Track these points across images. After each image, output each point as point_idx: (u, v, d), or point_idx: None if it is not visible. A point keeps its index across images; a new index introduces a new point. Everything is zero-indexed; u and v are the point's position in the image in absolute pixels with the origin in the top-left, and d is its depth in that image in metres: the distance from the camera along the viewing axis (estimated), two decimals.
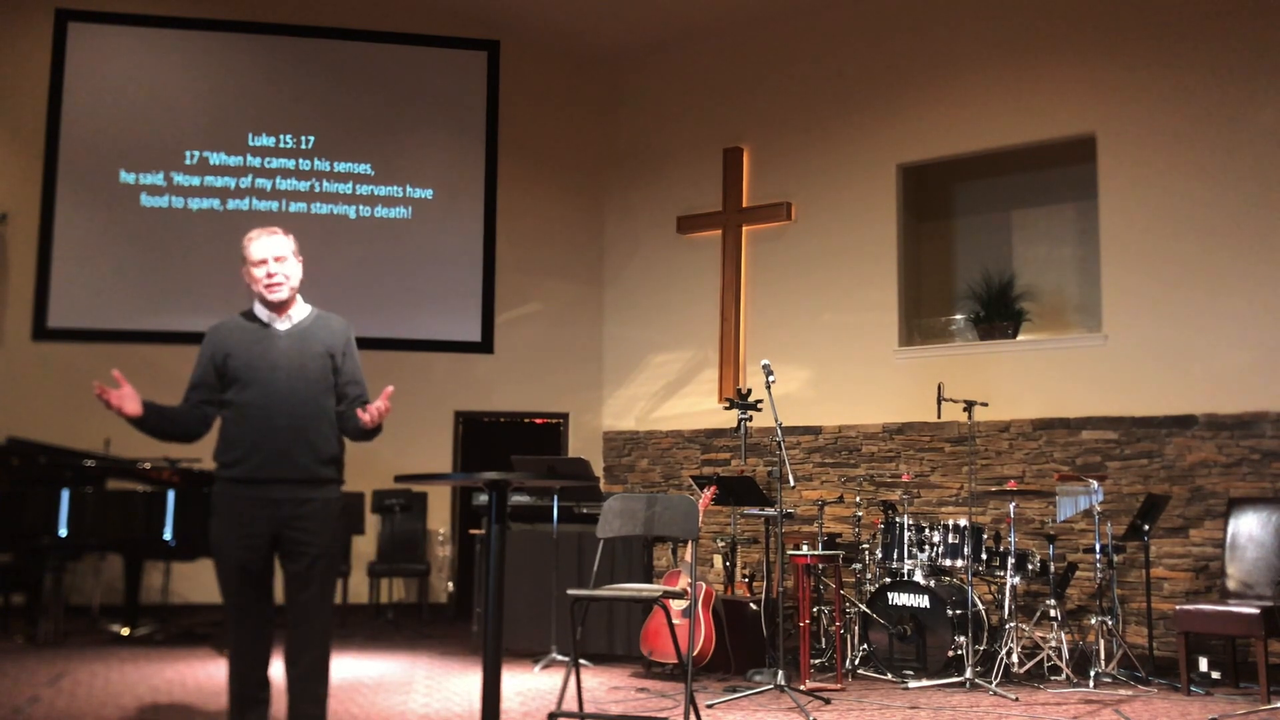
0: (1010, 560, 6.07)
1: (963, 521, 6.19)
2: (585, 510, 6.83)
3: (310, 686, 3.51)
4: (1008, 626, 5.93)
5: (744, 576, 7.59)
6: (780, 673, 5.33)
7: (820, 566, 6.39)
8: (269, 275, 3.57)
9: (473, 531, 7.38)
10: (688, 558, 5.81)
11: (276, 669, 3.58)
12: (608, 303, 9.73)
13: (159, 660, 6.34)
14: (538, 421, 9.58)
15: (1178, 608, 5.74)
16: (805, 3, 8.69)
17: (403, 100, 9.55)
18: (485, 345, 9.49)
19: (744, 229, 8.99)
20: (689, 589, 5.27)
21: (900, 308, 8.21)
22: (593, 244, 9.80)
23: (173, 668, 6.07)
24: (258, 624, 3.53)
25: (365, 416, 3.52)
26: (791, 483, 5.50)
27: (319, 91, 9.46)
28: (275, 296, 3.58)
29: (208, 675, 5.83)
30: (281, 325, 3.62)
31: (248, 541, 3.47)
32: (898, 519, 6.41)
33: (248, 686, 3.52)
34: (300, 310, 3.68)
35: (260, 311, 3.64)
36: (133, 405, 3.44)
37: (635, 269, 9.59)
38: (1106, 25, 7.49)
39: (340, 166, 9.43)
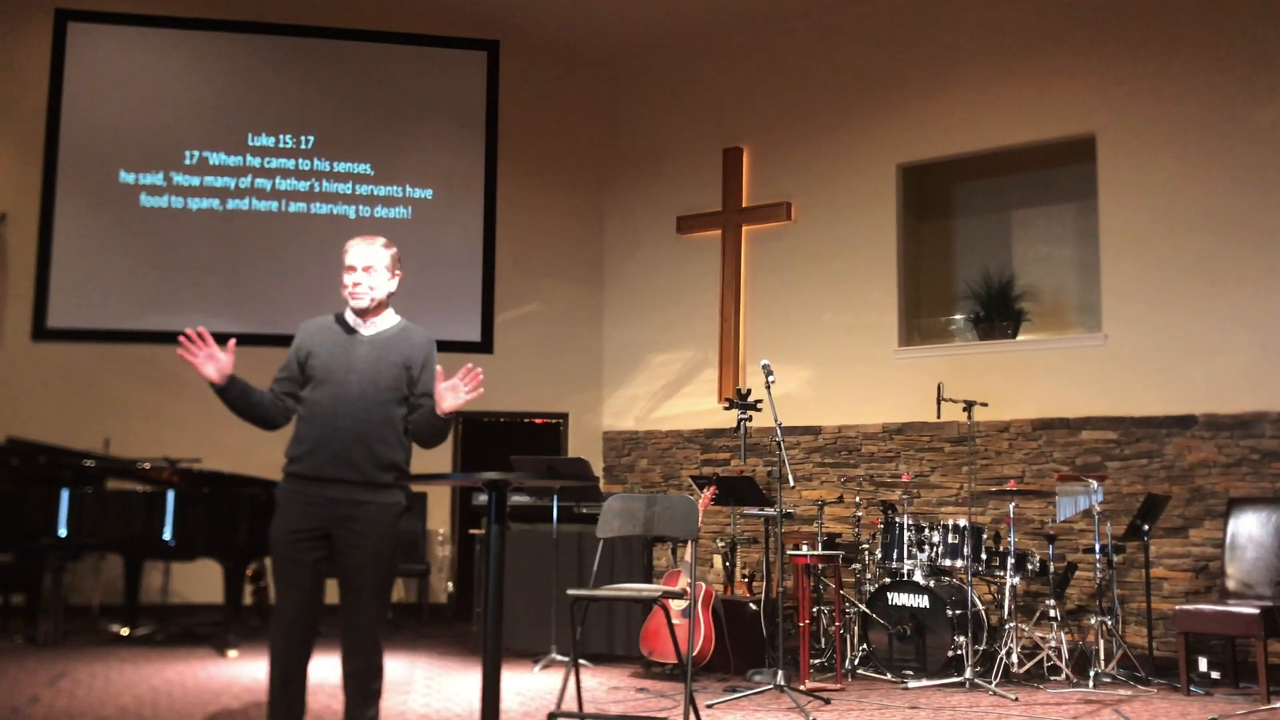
0: (1010, 560, 6.07)
1: (962, 521, 6.20)
2: (585, 510, 6.83)
3: (363, 685, 3.55)
4: (1007, 626, 5.93)
5: (744, 576, 7.59)
6: (780, 673, 5.33)
7: (820, 566, 6.38)
8: (354, 284, 3.66)
9: (472, 531, 7.38)
10: (687, 558, 5.81)
11: (316, 668, 3.62)
12: (607, 303, 9.73)
13: (159, 660, 6.34)
14: (537, 421, 9.58)
15: (1177, 608, 5.75)
16: (805, 3, 8.69)
17: (403, 100, 9.55)
18: (485, 345, 9.48)
19: (744, 229, 8.98)
20: (689, 589, 5.27)
21: (900, 308, 8.21)
22: (592, 244, 9.80)
23: (172, 668, 6.07)
24: (301, 618, 3.56)
25: (448, 399, 3.52)
26: (791, 483, 5.50)
27: (319, 91, 9.46)
28: (356, 304, 3.67)
29: (208, 675, 5.83)
30: (366, 331, 3.69)
31: (299, 534, 3.52)
32: (897, 519, 6.41)
33: (289, 679, 3.56)
34: (387, 319, 3.74)
35: (348, 315, 3.72)
36: (212, 370, 3.49)
37: (635, 269, 9.59)
38: (1106, 25, 7.50)
39: (340, 166, 9.43)
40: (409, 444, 3.70)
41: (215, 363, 3.50)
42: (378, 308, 3.71)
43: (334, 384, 3.59)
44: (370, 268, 3.66)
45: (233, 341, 3.55)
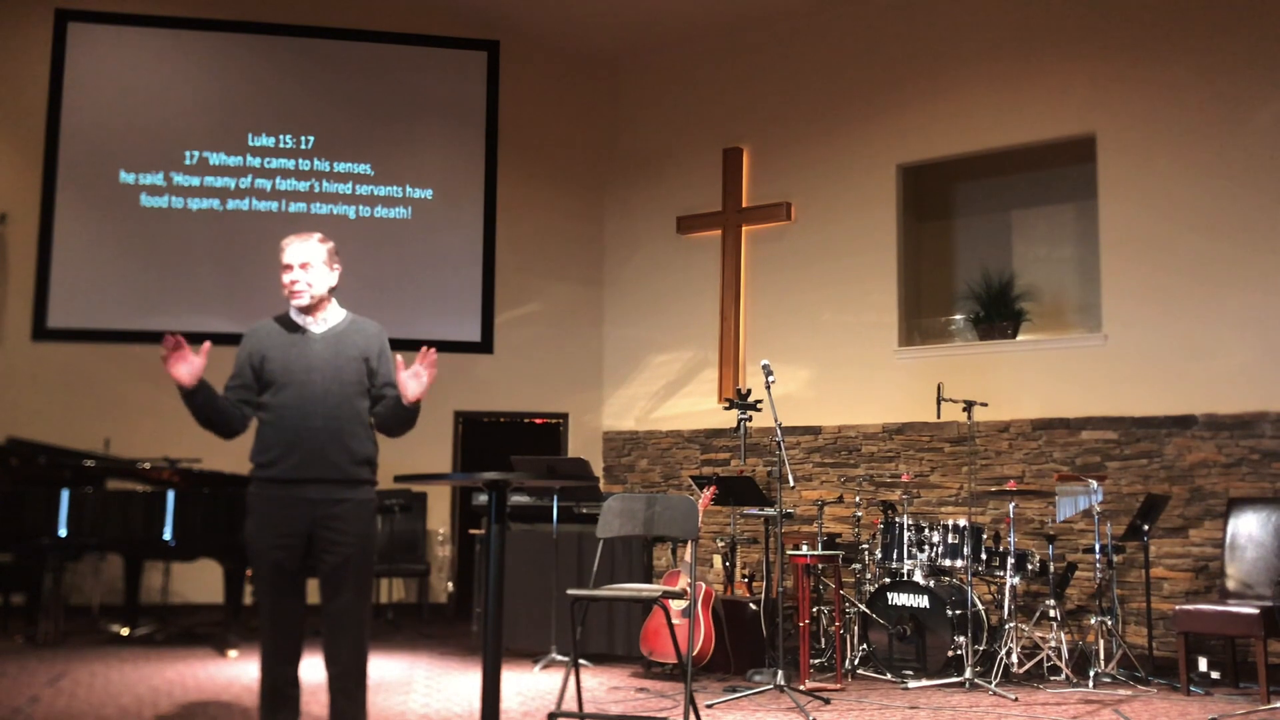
0: (1010, 560, 6.07)
1: (962, 521, 6.20)
2: (585, 510, 6.83)
3: (348, 685, 3.55)
4: (1007, 626, 5.93)
5: (744, 577, 7.59)
6: (780, 673, 5.34)
7: (820, 566, 6.39)
8: (292, 282, 3.63)
9: (472, 532, 7.38)
10: (687, 558, 5.81)
11: (307, 668, 3.62)
12: (608, 303, 9.73)
13: (159, 660, 6.35)
14: (538, 421, 9.58)
15: (1177, 608, 5.75)
16: (805, 3, 8.69)
17: (403, 100, 9.55)
18: (485, 345, 9.49)
19: (744, 229, 8.99)
20: (689, 589, 5.28)
21: (900, 308, 8.21)
22: (593, 244, 9.80)
23: (173, 668, 6.08)
24: (290, 622, 3.56)
25: (411, 386, 3.55)
26: (791, 483, 5.50)
27: (319, 91, 9.46)
28: (297, 302, 3.66)
29: (208, 675, 5.83)
30: (316, 329, 3.68)
31: (283, 540, 3.51)
32: (897, 519, 6.41)
33: (279, 684, 3.56)
34: (334, 314, 3.73)
35: (294, 315, 3.70)
36: (185, 375, 3.45)
37: (635, 269, 9.60)
38: (1106, 25, 7.50)
39: (340, 166, 9.43)
40: (375, 437, 3.71)
41: (189, 365, 3.46)
42: (321, 303, 3.69)
43: (297, 385, 3.56)
44: (307, 264, 3.64)
45: (207, 344, 3.49)
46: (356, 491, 3.59)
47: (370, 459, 3.66)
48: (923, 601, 6.06)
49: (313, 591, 3.56)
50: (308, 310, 3.67)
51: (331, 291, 3.71)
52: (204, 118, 9.28)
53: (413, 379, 3.57)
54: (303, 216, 9.25)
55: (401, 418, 3.66)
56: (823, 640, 6.47)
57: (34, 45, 9.07)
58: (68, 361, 8.82)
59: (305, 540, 3.53)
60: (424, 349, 3.56)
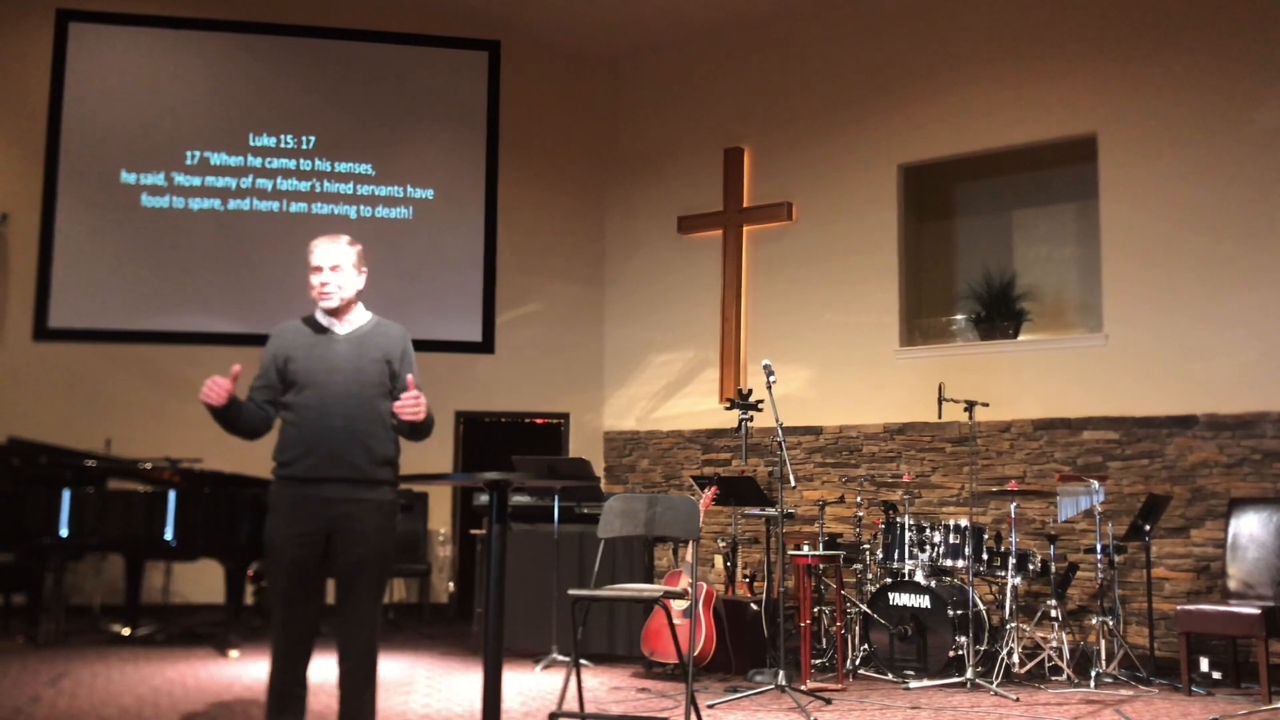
0: (1011, 560, 6.07)
1: (963, 522, 6.20)
2: (586, 510, 6.83)
3: (358, 681, 3.57)
4: (1008, 627, 5.93)
5: (745, 577, 7.58)
6: (781, 673, 5.34)
7: (821, 567, 6.39)
8: (322, 284, 3.65)
9: (473, 532, 7.38)
10: (688, 558, 5.81)
11: (316, 668, 3.63)
12: (608, 303, 9.73)
13: (159, 660, 6.35)
14: (538, 421, 9.58)
15: (1179, 608, 5.75)
16: (805, 3, 8.69)
17: (403, 100, 9.55)
18: (486, 345, 9.49)
19: (745, 229, 8.99)
20: (690, 589, 5.27)
21: (901, 308, 8.21)
22: (593, 244, 9.80)
23: (173, 668, 6.08)
24: (303, 622, 3.57)
25: (405, 413, 3.56)
26: (792, 483, 5.50)
27: (320, 91, 9.46)
28: (324, 304, 3.67)
29: (208, 675, 5.83)
30: (341, 330, 3.69)
31: (302, 539, 3.52)
32: (898, 519, 6.41)
33: (288, 683, 3.57)
34: (360, 316, 3.75)
35: (320, 316, 3.72)
36: (216, 397, 3.46)
37: (636, 269, 9.59)
38: (1107, 25, 7.50)
39: (341, 167, 9.43)
40: (397, 439, 3.72)
41: (221, 390, 3.48)
42: (348, 306, 3.71)
43: (319, 386, 3.58)
44: (337, 266, 3.65)
45: (236, 368, 3.52)
46: (375, 492, 3.60)
47: (390, 460, 3.66)
48: (924, 602, 6.06)
49: (324, 592, 3.57)
50: (334, 312, 3.69)
51: (359, 294, 3.73)
52: (204, 118, 9.28)
53: (401, 409, 3.58)
54: (304, 217, 9.25)
55: (412, 429, 3.66)
56: (824, 640, 6.46)
57: (35, 45, 9.07)
58: (68, 361, 8.82)
59: (324, 539, 3.54)
60: (410, 377, 3.60)
